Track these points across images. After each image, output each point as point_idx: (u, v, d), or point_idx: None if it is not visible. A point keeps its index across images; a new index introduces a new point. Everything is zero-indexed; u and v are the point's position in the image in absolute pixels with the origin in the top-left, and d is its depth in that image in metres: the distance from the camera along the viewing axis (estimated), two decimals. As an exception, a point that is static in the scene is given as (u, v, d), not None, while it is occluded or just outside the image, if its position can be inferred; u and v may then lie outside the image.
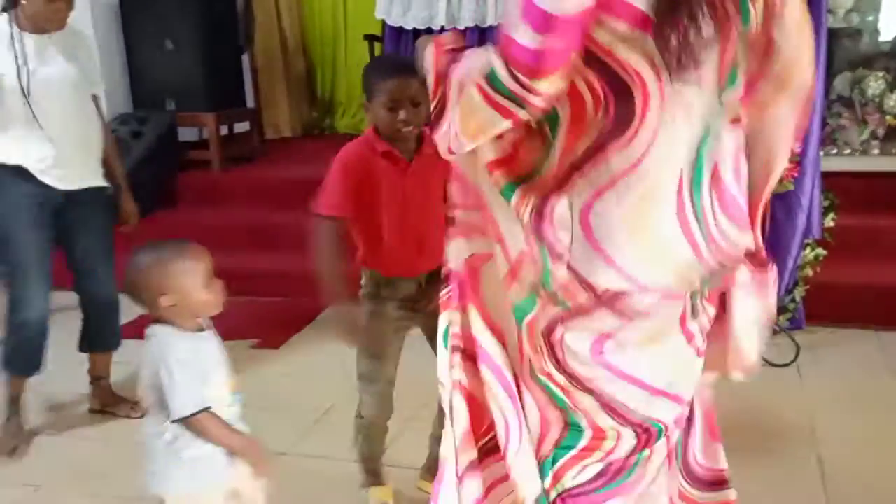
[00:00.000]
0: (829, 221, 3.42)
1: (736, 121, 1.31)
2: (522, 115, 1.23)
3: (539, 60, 1.17)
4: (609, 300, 1.29)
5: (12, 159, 2.54)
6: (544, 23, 1.14)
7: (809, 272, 3.35)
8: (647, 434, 1.42)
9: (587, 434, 1.41)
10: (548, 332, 1.35)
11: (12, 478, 2.51)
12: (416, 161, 1.95)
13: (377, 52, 4.70)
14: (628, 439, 1.42)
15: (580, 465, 1.44)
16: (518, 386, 1.45)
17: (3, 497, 2.43)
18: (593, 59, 1.20)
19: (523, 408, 1.45)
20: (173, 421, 1.61)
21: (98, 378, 2.92)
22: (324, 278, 1.87)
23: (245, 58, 5.58)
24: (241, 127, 5.68)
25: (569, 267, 1.29)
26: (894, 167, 3.85)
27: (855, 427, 2.59)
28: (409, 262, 1.99)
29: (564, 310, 1.32)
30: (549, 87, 1.20)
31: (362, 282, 2.08)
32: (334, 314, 1.91)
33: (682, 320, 1.36)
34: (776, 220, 3.21)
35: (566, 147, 1.28)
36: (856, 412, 2.69)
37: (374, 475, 2.18)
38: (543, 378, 1.39)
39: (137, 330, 1.78)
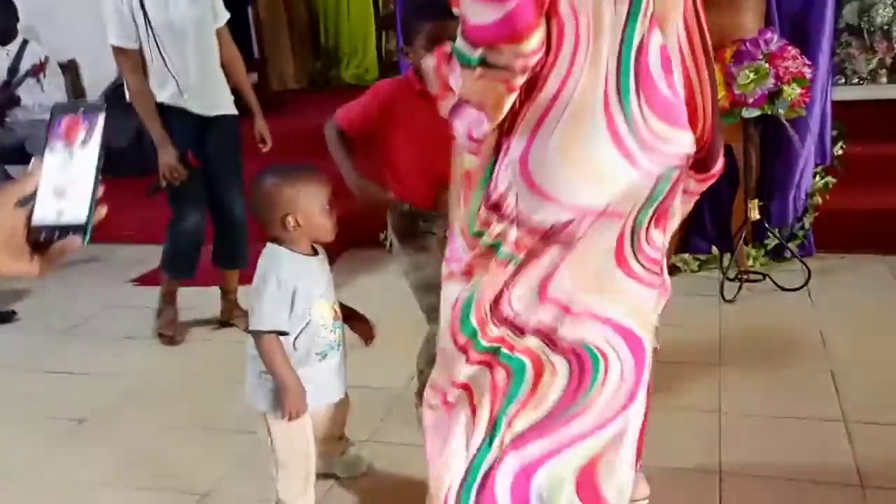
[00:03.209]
0: (838, 150, 3.45)
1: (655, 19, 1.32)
2: (517, 81, 1.26)
3: (511, 25, 1.19)
4: (554, 234, 1.35)
5: (157, 97, 2.82)
6: None
7: (819, 200, 3.40)
8: (579, 361, 1.45)
9: (528, 375, 1.46)
10: (494, 300, 1.41)
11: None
12: None
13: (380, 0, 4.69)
14: (562, 370, 1.46)
15: (528, 410, 1.49)
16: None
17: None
18: None
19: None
20: (247, 331, 1.66)
21: (226, 293, 3.14)
22: (342, 169, 2.03)
23: (250, 10, 5.56)
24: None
25: (518, 223, 1.35)
26: (903, 96, 3.85)
27: (866, 346, 2.65)
28: (432, 194, 2.04)
29: (515, 266, 1.38)
30: (532, 43, 1.22)
31: (390, 223, 2.14)
32: (359, 185, 2.02)
33: (619, 244, 1.39)
34: (788, 147, 3.23)
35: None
36: (866, 332, 2.75)
37: None
38: (485, 343, 1.45)
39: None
